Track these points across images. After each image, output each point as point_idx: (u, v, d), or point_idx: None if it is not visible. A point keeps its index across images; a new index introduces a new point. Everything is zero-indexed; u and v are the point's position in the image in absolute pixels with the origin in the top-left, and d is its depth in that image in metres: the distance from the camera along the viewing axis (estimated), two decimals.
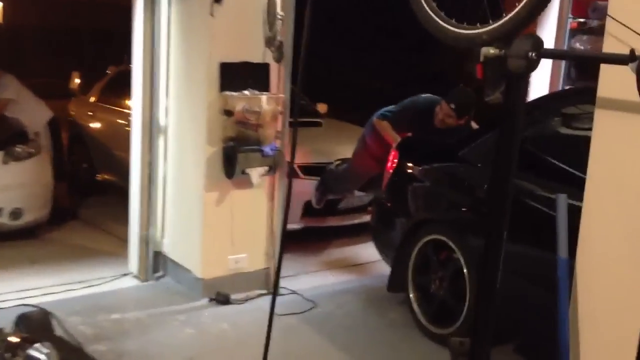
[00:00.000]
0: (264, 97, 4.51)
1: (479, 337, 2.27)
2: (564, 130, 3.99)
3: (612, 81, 2.65)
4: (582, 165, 2.75)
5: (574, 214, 2.73)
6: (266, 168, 4.66)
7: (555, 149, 3.86)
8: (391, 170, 4.79)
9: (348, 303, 4.86)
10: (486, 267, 2.28)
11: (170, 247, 5.07)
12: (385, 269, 5.47)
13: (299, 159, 5.87)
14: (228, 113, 4.52)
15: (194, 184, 4.73)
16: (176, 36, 4.79)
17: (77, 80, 8.35)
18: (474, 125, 5.13)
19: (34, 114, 6.47)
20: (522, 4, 2.16)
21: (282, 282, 5.01)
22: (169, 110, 4.92)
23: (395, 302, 4.83)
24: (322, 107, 7.40)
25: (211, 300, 4.74)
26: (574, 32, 6.42)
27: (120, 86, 6.84)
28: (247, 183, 4.70)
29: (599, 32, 6.00)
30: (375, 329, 4.51)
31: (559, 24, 6.42)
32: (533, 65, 2.18)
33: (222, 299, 4.72)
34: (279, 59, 4.43)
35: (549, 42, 6.53)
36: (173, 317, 4.53)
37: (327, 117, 7.13)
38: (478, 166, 4.18)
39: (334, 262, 5.80)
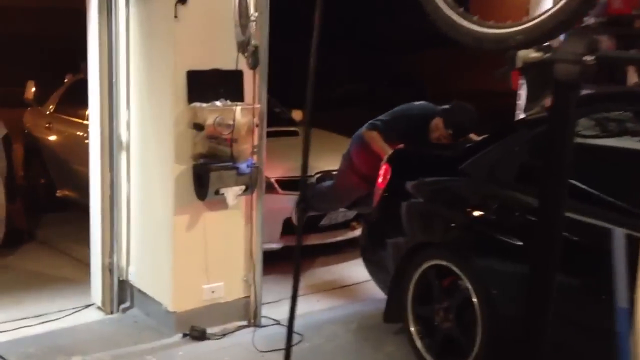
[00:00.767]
0: (238, 109, 4.02)
1: None
2: (598, 142, 3.53)
3: None
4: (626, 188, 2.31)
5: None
6: (242, 187, 4.17)
7: (588, 168, 3.41)
8: (382, 186, 4.33)
9: (338, 335, 4.39)
10: (532, 310, 1.83)
11: (137, 276, 4.55)
12: (375, 290, 5.01)
13: (276, 173, 5.38)
14: (198, 127, 4.02)
15: (162, 207, 4.22)
16: (136, 42, 4.27)
17: (33, 90, 7.75)
18: (473, 136, 4.70)
19: None
20: None
21: (263, 310, 4.54)
22: (130, 125, 4.40)
23: (390, 332, 4.37)
24: (297, 115, 6.90)
25: (185, 335, 4.24)
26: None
27: (79, 96, 6.28)
28: (221, 204, 4.21)
29: (596, 30, 5.60)
30: None
31: None
32: (588, 71, 1.73)
33: (198, 334, 4.22)
34: (254, 65, 3.93)
35: None
36: (142, 358, 4.02)
37: (303, 125, 6.63)
38: (483, 181, 3.74)
39: (319, 284, 5.31)
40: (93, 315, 4.57)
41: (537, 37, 1.81)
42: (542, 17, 1.77)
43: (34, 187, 7.41)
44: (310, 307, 4.86)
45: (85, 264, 4.87)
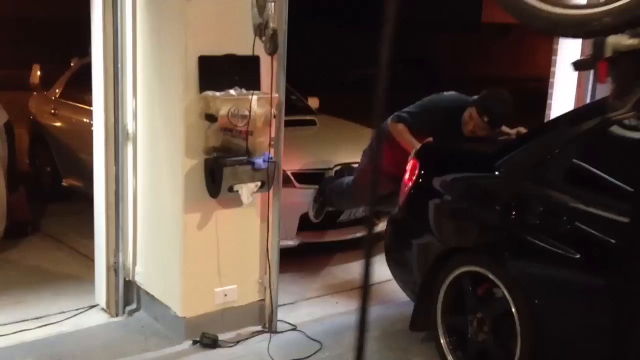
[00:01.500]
0: (254, 98, 3.67)
1: None
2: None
3: None
4: None
5: None
6: (258, 183, 3.83)
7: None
8: (410, 183, 3.98)
9: None
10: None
11: (144, 277, 4.24)
12: (398, 291, 4.69)
13: (293, 166, 5.04)
14: (211, 118, 3.68)
15: (171, 204, 3.90)
16: (144, 24, 3.93)
17: (39, 74, 7.44)
18: (507, 129, 4.34)
19: None
20: None
21: (279, 314, 4.22)
22: (137, 114, 4.07)
23: (416, 340, 4.05)
24: (313, 102, 6.56)
25: (195, 343, 3.92)
26: None
27: (86, 81, 5.96)
28: (235, 202, 3.87)
29: None
30: None
31: None
32: None
33: (209, 342, 3.90)
34: (272, 51, 3.58)
35: None
36: None
37: (320, 114, 6.28)
38: (524, 180, 3.38)
39: (338, 284, 4.98)
40: (97, 318, 4.26)
41: (630, 19, 1.45)
42: None
43: (39, 176, 7.12)
44: (329, 310, 4.55)
45: (91, 260, 4.54)
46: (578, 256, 3.02)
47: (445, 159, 3.99)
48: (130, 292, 4.31)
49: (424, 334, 4.02)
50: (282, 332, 4.12)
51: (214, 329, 3.97)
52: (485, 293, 3.53)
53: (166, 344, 3.94)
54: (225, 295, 4.03)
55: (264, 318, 4.16)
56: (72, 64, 7.12)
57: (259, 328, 4.15)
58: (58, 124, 6.74)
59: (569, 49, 5.86)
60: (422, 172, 3.93)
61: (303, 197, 5.01)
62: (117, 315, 4.27)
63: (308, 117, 5.96)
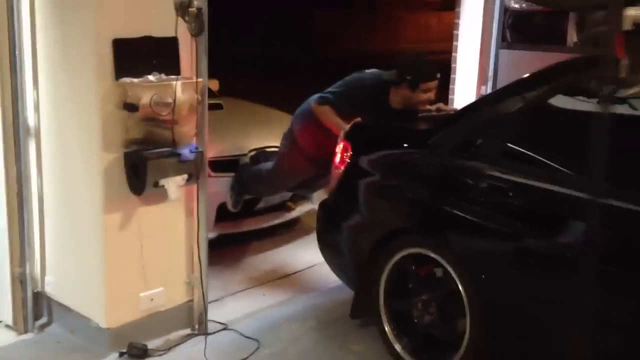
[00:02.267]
0: (178, 84, 3.36)
1: None
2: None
3: None
4: None
5: None
6: (185, 176, 3.53)
7: None
8: (342, 167, 3.81)
9: (299, 336, 3.86)
10: None
11: (55, 286, 3.82)
12: (323, 277, 4.60)
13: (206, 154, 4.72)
14: (131, 107, 3.32)
15: (88, 204, 3.51)
16: (45, 2, 3.48)
17: None
18: (443, 106, 4.25)
19: None
20: None
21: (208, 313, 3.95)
22: (39, 106, 3.63)
23: (354, 326, 3.91)
24: (213, 84, 6.21)
25: (122, 354, 3.58)
26: None
27: None
28: (158, 197, 3.55)
29: None
30: None
31: None
32: None
33: (138, 352, 3.57)
34: (198, 32, 3.28)
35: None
36: None
37: (224, 97, 5.96)
38: (462, 156, 3.30)
39: (261, 275, 4.75)
40: (3, 337, 3.80)
41: None
42: None
43: None
44: (258, 303, 4.31)
45: None
46: (521, 228, 3.00)
47: (377, 138, 3.84)
48: (39, 305, 3.88)
49: (361, 320, 3.90)
50: (214, 332, 3.85)
51: (142, 338, 3.64)
52: (427, 275, 3.45)
53: (91, 358, 3.57)
54: (152, 299, 3.70)
55: (192, 320, 3.88)
56: None
57: (188, 331, 3.86)
58: None
59: (470, 24, 5.90)
60: (355, 153, 3.77)
61: (219, 186, 4.73)
62: (26, 331, 3.82)
63: (213, 101, 5.62)
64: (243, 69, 14.96)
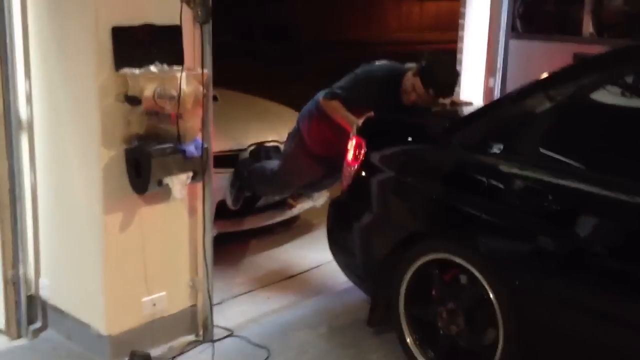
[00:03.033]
0: (183, 75, 3.13)
1: None
2: None
3: None
4: None
5: None
6: (190, 174, 3.31)
7: None
8: (355, 164, 3.61)
9: (310, 343, 3.65)
10: None
11: (51, 290, 3.59)
12: (329, 278, 4.40)
13: None
14: (133, 100, 3.10)
15: (86, 204, 3.28)
16: None
17: None
18: (457, 100, 4.06)
19: None
20: None
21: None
22: (32, 98, 3.39)
23: (368, 333, 3.72)
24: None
25: None
26: None
27: None
28: (160, 196, 3.33)
29: None
30: None
31: None
32: None
33: None
34: (205, 19, 3.06)
35: None
36: None
37: (217, 88, 5.71)
38: (494, 154, 3.09)
39: (263, 276, 4.54)
40: None
41: None
42: None
43: None
44: (263, 307, 4.10)
45: None
46: (558, 230, 2.79)
47: (393, 134, 3.64)
48: (33, 309, 3.65)
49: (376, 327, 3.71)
50: (219, 339, 3.64)
51: (144, 345, 3.43)
52: (452, 281, 3.25)
53: None
54: (154, 304, 3.49)
55: (196, 326, 3.67)
56: None
57: (192, 337, 3.65)
58: None
59: (477, 12, 5.70)
60: (368, 149, 3.57)
61: (218, 183, 4.49)
62: (19, 336, 3.61)
63: None
64: (224, 58, 14.71)
